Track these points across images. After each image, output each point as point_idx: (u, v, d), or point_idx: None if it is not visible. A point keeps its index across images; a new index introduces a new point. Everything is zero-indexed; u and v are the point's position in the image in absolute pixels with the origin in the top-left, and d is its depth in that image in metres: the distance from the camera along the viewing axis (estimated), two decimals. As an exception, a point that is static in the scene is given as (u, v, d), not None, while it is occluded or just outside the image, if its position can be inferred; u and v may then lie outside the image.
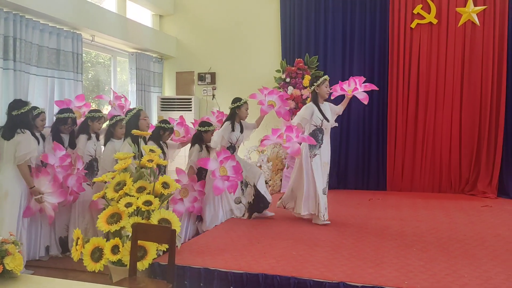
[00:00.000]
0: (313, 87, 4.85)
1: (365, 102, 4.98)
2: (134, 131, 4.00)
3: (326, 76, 4.89)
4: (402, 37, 7.00)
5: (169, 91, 8.41)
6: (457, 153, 6.85)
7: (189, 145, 5.31)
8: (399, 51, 7.03)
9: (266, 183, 7.00)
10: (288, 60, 7.43)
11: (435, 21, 6.85)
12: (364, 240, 4.13)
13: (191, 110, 7.89)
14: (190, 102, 7.94)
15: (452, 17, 6.80)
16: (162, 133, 4.94)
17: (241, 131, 5.14)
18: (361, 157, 7.34)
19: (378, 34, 7.16)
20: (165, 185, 3.53)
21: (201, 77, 8.15)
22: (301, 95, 6.95)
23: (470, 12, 6.67)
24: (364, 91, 4.91)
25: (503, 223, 4.91)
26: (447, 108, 6.83)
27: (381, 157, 7.24)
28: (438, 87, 6.90)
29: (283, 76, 7.15)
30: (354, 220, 5.02)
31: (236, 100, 5.07)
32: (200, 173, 5.08)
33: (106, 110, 5.86)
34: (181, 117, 5.65)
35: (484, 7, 6.64)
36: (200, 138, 5.18)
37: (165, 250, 3.42)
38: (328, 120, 4.84)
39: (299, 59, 7.18)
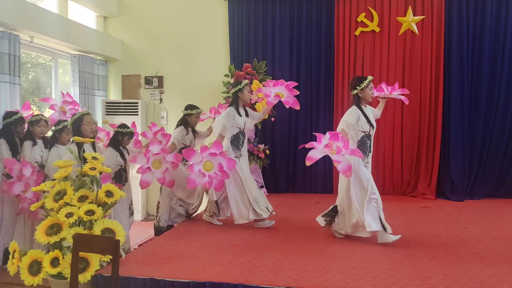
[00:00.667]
0: (356, 90, 4.28)
1: (406, 102, 4.79)
2: (75, 138, 3.85)
3: (370, 77, 4.35)
4: (347, 43, 7.21)
5: (115, 95, 8.18)
6: (399, 157, 7.13)
7: None
8: (344, 57, 7.23)
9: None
10: (237, 65, 7.44)
11: (377, 29, 7.11)
12: (311, 244, 4.20)
13: (138, 115, 7.71)
14: (137, 106, 7.76)
15: (394, 26, 7.09)
16: (121, 138, 4.78)
17: (247, 115, 4.93)
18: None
19: (324, 40, 7.33)
20: (109, 193, 3.42)
21: (148, 81, 7.99)
22: (250, 99, 6.95)
23: (410, 22, 6.98)
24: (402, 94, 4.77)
25: (440, 223, 5.15)
26: (390, 114, 7.09)
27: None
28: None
29: (232, 81, 7.15)
30: (302, 223, 5.09)
31: (238, 83, 4.89)
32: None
33: (48, 113, 5.60)
34: (133, 123, 5.46)
35: (422, 16, 6.96)
36: (185, 122, 5.26)
37: (108, 261, 3.31)
38: (373, 126, 4.34)
39: (247, 64, 7.21)
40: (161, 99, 7.97)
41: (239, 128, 4.84)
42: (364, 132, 4.25)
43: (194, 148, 5.16)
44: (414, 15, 6.99)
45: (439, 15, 6.92)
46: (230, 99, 4.98)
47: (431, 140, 7.00)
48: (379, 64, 7.14)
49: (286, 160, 7.43)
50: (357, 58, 7.22)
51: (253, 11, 7.49)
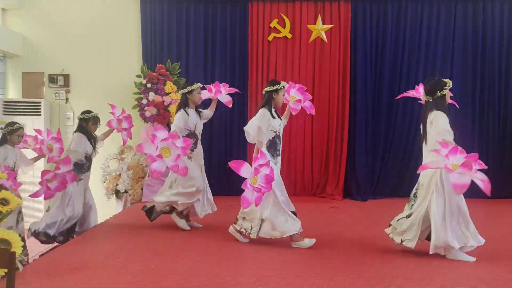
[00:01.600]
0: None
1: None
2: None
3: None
4: (260, 48, 7.35)
5: (14, 94, 7.56)
6: (310, 160, 7.41)
7: None
8: (258, 61, 7.37)
9: (126, 192, 6.75)
10: (150, 65, 7.25)
11: (289, 36, 7.33)
12: (227, 247, 4.19)
13: (40, 115, 7.20)
14: (40, 106, 7.24)
15: (304, 33, 7.36)
16: (85, 124, 5.11)
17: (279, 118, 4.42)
18: (224, 163, 7.46)
19: (239, 44, 7.41)
20: (4, 201, 3.14)
21: (53, 79, 7.49)
22: (163, 101, 6.82)
23: (319, 30, 7.29)
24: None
25: (346, 222, 5.43)
26: (301, 118, 7.33)
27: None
28: (292, 96, 7.38)
29: (144, 82, 6.95)
30: (216, 226, 5.06)
31: (274, 82, 4.36)
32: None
33: None
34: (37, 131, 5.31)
35: (331, 25, 7.31)
36: (185, 103, 4.84)
37: (3, 274, 3.03)
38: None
39: (160, 65, 7.06)
40: (67, 99, 7.51)
41: (274, 131, 4.27)
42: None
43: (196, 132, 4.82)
44: (323, 23, 7.31)
45: (345, 25, 7.31)
46: (263, 98, 4.38)
47: (338, 143, 7.36)
48: (291, 70, 7.38)
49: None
50: (270, 63, 7.39)
51: (166, 12, 7.35)
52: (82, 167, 5.10)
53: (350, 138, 7.38)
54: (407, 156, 7.33)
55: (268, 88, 4.31)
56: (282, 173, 7.24)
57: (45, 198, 5.02)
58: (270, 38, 7.33)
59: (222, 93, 5.13)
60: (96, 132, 5.28)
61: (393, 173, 7.36)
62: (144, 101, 6.83)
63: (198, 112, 4.92)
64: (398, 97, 5.26)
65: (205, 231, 4.86)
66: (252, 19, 7.34)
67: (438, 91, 3.92)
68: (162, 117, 6.83)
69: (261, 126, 4.18)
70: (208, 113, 5.13)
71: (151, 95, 6.80)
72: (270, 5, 7.35)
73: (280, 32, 7.34)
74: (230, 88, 5.28)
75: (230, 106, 5.15)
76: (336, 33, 7.34)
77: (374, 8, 7.33)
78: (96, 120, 5.19)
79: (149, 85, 6.89)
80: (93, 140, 5.21)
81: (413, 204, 4.00)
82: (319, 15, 7.29)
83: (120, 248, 4.15)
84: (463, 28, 7.29)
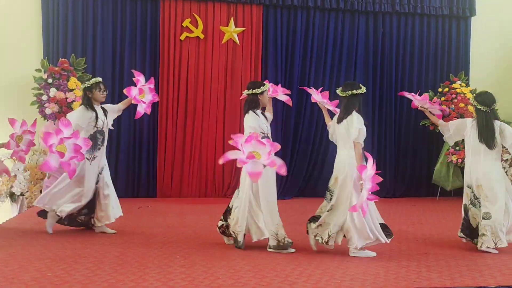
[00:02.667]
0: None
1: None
2: None
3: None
4: (172, 47, 7.23)
5: None
6: (221, 161, 7.43)
7: None
8: (169, 60, 7.24)
9: (23, 194, 6.29)
10: (51, 60, 6.80)
11: (202, 36, 7.30)
12: (129, 251, 4.05)
13: None
14: None
15: (217, 34, 7.37)
16: (90, 94, 4.68)
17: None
18: (132, 165, 7.27)
19: (149, 42, 7.23)
20: None
21: None
22: (66, 98, 6.42)
23: (232, 32, 7.35)
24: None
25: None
26: (212, 118, 7.35)
27: (152, 164, 7.32)
28: (205, 98, 7.37)
29: (45, 76, 6.49)
30: (121, 229, 4.88)
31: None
32: None
33: None
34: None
35: (243, 28, 7.40)
36: (255, 104, 4.37)
37: None
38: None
39: (64, 59, 6.65)
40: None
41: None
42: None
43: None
44: (236, 26, 7.38)
45: (257, 28, 7.46)
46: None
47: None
48: (203, 71, 7.35)
49: (108, 165, 7.04)
50: (182, 62, 7.30)
51: (71, 5, 6.95)
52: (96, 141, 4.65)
53: (260, 139, 7.51)
54: (314, 156, 7.64)
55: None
56: (192, 174, 7.31)
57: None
58: (182, 37, 7.24)
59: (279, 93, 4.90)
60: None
61: (301, 173, 7.62)
62: (45, 97, 6.39)
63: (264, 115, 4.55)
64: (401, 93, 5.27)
65: (100, 238, 4.56)
66: (164, 17, 7.19)
67: (493, 104, 4.26)
68: (65, 115, 6.41)
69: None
70: (270, 116, 4.70)
71: (53, 91, 6.37)
72: (182, 3, 7.26)
73: (192, 32, 7.27)
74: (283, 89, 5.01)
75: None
76: (248, 36, 7.45)
77: (285, 14, 7.56)
78: (99, 86, 4.70)
79: (50, 80, 6.45)
80: (103, 111, 4.77)
81: None
82: (232, 18, 7.35)
83: (13, 256, 3.83)
84: (365, 38, 7.79)
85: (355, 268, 3.67)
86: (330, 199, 4.14)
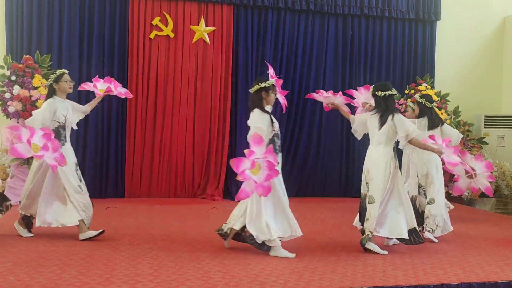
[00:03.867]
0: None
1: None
2: None
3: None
4: (141, 46, 7.13)
5: None
6: (191, 160, 7.38)
7: None
8: (139, 59, 7.13)
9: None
10: (15, 56, 6.60)
11: (172, 35, 7.22)
12: (96, 254, 3.97)
13: None
14: None
15: (187, 33, 7.31)
16: (55, 86, 4.45)
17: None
18: (99, 165, 7.13)
19: (118, 41, 7.10)
20: None
21: None
22: (30, 96, 6.24)
23: (202, 31, 7.31)
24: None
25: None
26: (182, 118, 7.29)
27: (120, 164, 7.20)
28: (175, 97, 7.30)
29: (8, 74, 6.29)
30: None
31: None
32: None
33: None
34: None
35: (213, 28, 7.37)
36: (261, 102, 4.18)
37: None
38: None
39: (28, 56, 6.46)
40: None
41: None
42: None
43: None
44: (206, 25, 7.34)
45: (228, 28, 7.44)
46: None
47: (220, 144, 7.45)
48: (173, 70, 7.28)
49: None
50: (151, 61, 7.21)
51: (36, 1, 6.75)
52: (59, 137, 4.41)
53: (231, 138, 7.51)
54: (290, 156, 7.64)
55: (383, 93, 4.30)
56: (162, 174, 7.23)
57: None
58: (152, 36, 7.15)
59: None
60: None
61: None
62: (8, 95, 6.19)
63: None
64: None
65: (66, 240, 4.43)
66: (133, 15, 7.09)
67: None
68: (29, 113, 6.23)
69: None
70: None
71: (16, 89, 6.17)
72: (152, 2, 7.16)
73: (162, 30, 7.19)
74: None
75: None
76: (219, 36, 7.42)
77: (256, 14, 7.56)
78: (62, 77, 4.48)
79: (13, 78, 6.25)
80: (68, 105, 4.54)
81: None
82: (202, 17, 7.31)
83: (-28, 260, 3.69)
84: (335, 40, 7.89)
85: (323, 268, 3.72)
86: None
